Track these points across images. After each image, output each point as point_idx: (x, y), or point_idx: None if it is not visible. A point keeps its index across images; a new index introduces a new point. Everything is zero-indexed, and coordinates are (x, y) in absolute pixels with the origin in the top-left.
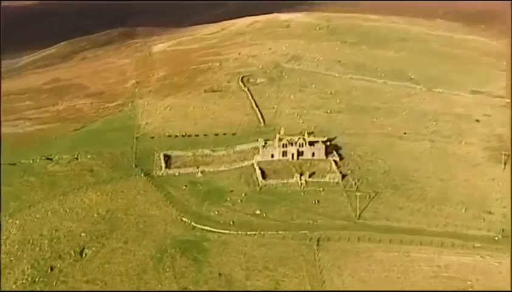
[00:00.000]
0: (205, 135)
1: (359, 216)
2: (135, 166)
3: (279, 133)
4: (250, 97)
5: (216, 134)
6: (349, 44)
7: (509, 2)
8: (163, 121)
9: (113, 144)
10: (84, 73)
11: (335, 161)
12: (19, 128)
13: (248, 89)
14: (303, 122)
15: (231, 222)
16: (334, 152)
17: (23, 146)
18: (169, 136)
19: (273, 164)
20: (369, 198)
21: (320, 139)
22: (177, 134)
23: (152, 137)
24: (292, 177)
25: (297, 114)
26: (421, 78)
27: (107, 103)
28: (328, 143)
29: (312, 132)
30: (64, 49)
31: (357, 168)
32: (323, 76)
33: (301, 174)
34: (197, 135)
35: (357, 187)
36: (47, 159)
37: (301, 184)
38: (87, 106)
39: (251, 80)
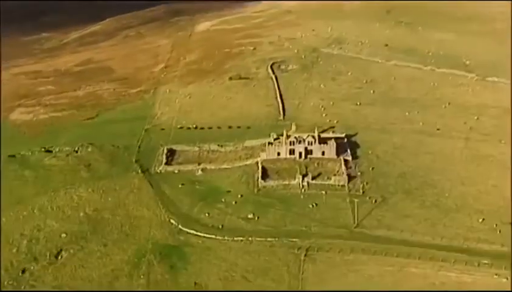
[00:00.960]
0: (218, 127)
1: (358, 224)
2: (135, 161)
3: (288, 129)
4: (275, 86)
5: (230, 127)
6: (404, 24)
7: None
8: (179, 111)
9: (121, 136)
10: (118, 55)
11: (345, 161)
12: (33, 115)
13: (275, 77)
14: (326, 115)
15: (220, 226)
16: (348, 152)
17: (30, 136)
18: (180, 128)
19: (278, 163)
20: (375, 202)
21: (336, 136)
22: (190, 126)
23: (163, 129)
24: (295, 179)
25: (322, 106)
26: (477, 64)
27: (130, 89)
28: (345, 140)
29: (333, 127)
30: (109, 26)
31: (370, 169)
32: (363, 62)
33: (303, 176)
34: (210, 128)
35: (363, 191)
36: (47, 151)
37: (303, 186)
38: (108, 92)
39: (282, 67)
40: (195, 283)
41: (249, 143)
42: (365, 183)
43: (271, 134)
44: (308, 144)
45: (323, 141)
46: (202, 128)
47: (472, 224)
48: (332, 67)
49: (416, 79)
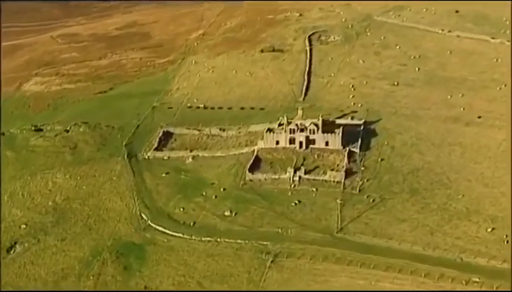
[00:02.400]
0: (229, 108)
1: (341, 228)
2: (126, 145)
3: (290, 116)
4: (307, 61)
5: (242, 108)
6: None
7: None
8: (196, 87)
9: (123, 114)
10: (163, 18)
11: (351, 153)
12: (45, 86)
13: (310, 50)
14: (353, 97)
15: (192, 224)
16: (359, 142)
17: (33, 111)
18: (189, 107)
19: (275, 153)
20: (372, 202)
21: (352, 122)
22: (200, 105)
23: (170, 108)
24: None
25: (352, 86)
26: None
27: (159, 58)
28: (362, 127)
29: (355, 111)
30: None
31: (378, 163)
32: (419, 33)
33: (296, 169)
34: (220, 108)
35: (360, 190)
36: (37, 129)
37: (293, 181)
38: (133, 62)
39: (322, 38)
40: (145, 287)
41: (254, 128)
42: (365, 180)
43: (280, 118)
44: (310, 133)
45: (329, 129)
46: (212, 108)
47: (477, 234)
48: (381, 39)
49: (475, 54)
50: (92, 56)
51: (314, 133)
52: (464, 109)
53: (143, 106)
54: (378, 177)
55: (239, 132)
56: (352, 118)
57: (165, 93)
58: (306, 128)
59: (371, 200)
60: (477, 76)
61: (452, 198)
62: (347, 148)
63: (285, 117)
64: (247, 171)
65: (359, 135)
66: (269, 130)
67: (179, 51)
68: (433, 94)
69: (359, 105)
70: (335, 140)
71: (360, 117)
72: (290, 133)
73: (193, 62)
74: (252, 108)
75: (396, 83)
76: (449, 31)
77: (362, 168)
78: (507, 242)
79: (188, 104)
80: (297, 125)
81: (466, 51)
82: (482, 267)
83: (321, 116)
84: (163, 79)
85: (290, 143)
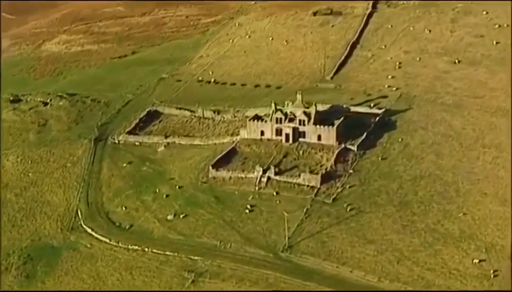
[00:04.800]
0: (243, 85)
1: (289, 246)
2: (101, 125)
3: (308, 98)
4: (360, 28)
5: (257, 85)
6: None
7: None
8: (221, 56)
9: (123, 86)
10: None
11: (346, 151)
12: (66, 46)
13: (370, 14)
14: (392, 77)
15: (127, 227)
16: (361, 138)
17: (32, 77)
18: (199, 81)
19: (255, 146)
20: (344, 215)
21: (369, 111)
22: (211, 80)
23: (179, 81)
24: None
25: (399, 63)
26: None
27: (207, 17)
28: (377, 119)
29: (385, 97)
30: None
31: (375, 166)
32: None
33: (265, 169)
34: (233, 84)
35: (335, 198)
36: (13, 101)
37: (260, 182)
38: (177, 20)
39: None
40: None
41: (252, 112)
42: (348, 186)
43: (286, 103)
44: (300, 124)
45: (330, 120)
46: (223, 84)
47: (458, 265)
48: (467, 3)
49: None
50: (137, 11)
51: (303, 124)
52: None
53: (152, 77)
54: (366, 183)
55: (235, 117)
56: (372, 106)
57: (184, 61)
58: (295, 118)
59: (343, 212)
60: None
61: (448, 216)
62: (342, 145)
63: (272, 103)
64: (211, 168)
65: (368, 129)
66: (255, 118)
67: (231, 11)
68: (497, 77)
69: (394, 88)
70: (329, 134)
71: (386, 105)
72: (277, 123)
73: (237, 24)
74: (268, 86)
75: (457, 61)
76: None
77: (350, 171)
78: (491, 278)
79: (200, 78)
80: (286, 113)
81: None
82: None
83: (363, 98)
84: (194, 44)
85: (277, 134)
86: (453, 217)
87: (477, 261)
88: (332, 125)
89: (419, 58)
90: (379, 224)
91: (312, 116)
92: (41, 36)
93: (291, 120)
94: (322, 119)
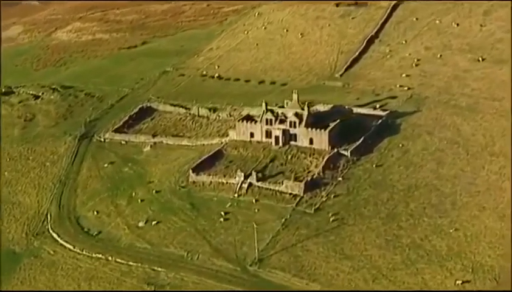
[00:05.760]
0: (246, 81)
1: (259, 259)
2: (90, 121)
3: (311, 98)
4: (381, 21)
5: (261, 82)
6: None
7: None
8: (232, 49)
9: (123, 79)
10: None
11: (337, 156)
12: (77, 35)
13: (395, 6)
14: (407, 76)
15: (95, 233)
16: (356, 144)
17: (34, 67)
18: (203, 76)
19: (242, 148)
20: (324, 227)
21: (372, 113)
22: (215, 75)
23: (182, 75)
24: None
25: (416, 60)
26: None
27: (227, 6)
28: (379, 122)
29: (394, 97)
30: None
31: (367, 174)
32: None
33: (247, 175)
34: (237, 80)
35: (317, 209)
36: (5, 93)
37: (241, 188)
38: (196, 8)
39: None
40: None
41: (248, 111)
42: (333, 195)
43: (286, 102)
44: (290, 126)
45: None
46: (227, 79)
47: (439, 286)
48: None
49: None
50: None
51: (294, 127)
52: None
53: (155, 70)
54: (354, 193)
55: (230, 116)
56: (378, 107)
57: (192, 54)
58: (286, 119)
59: (324, 224)
60: None
61: (438, 232)
62: (335, 150)
63: (263, 102)
64: (191, 171)
65: (367, 132)
66: (247, 118)
67: None
68: None
69: (406, 88)
70: (321, 137)
71: (393, 106)
72: (267, 124)
73: (256, 14)
74: (273, 83)
75: (481, 58)
76: None
77: (339, 179)
78: None
79: (204, 72)
80: (277, 114)
81: None
82: None
83: (308, 104)
84: (208, 35)
85: (267, 136)
86: (443, 233)
87: (460, 282)
88: (326, 127)
89: (440, 55)
90: (361, 238)
91: (304, 118)
92: (55, 23)
93: (282, 122)
94: (320, 121)
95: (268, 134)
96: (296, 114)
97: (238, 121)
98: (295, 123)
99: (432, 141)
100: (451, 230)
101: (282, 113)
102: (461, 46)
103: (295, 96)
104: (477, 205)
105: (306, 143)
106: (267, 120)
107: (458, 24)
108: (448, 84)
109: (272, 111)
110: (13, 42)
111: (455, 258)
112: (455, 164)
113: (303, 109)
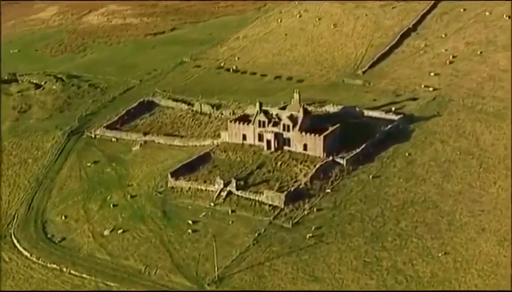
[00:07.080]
0: (263, 75)
1: (221, 278)
2: (85, 115)
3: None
4: (423, 11)
5: (277, 77)
6: None
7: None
8: (258, 38)
9: (136, 68)
10: None
11: (327, 165)
12: (107, 19)
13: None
14: (435, 75)
15: (58, 240)
16: (355, 151)
17: (51, 53)
18: (219, 68)
19: (232, 152)
20: (299, 244)
21: (384, 116)
22: (232, 68)
23: (198, 66)
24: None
25: (452, 57)
26: None
27: None
28: (387, 127)
29: (414, 100)
30: None
31: (361, 186)
32: None
33: (226, 183)
34: (253, 74)
35: (296, 223)
36: (6, 81)
37: (219, 196)
38: None
39: None
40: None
41: (250, 110)
42: (316, 209)
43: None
44: (284, 129)
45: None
46: (243, 73)
47: None
48: None
49: None
50: None
51: (288, 130)
52: None
53: (173, 59)
54: (341, 207)
55: (233, 114)
56: (393, 110)
57: (216, 44)
58: (280, 122)
59: (300, 241)
60: None
61: (425, 255)
62: (330, 157)
63: (257, 102)
64: (169, 176)
65: (371, 139)
66: (242, 119)
67: None
68: None
69: (431, 89)
70: (315, 143)
71: (411, 109)
72: (260, 126)
73: (296, 2)
74: (290, 78)
75: None
76: None
77: (327, 191)
78: None
79: (221, 64)
80: (269, 116)
81: None
82: None
83: (303, 105)
84: (240, 22)
85: (260, 140)
86: (430, 256)
87: None
88: (323, 131)
89: (481, 52)
90: (337, 258)
91: (299, 121)
92: (90, 5)
93: (275, 124)
94: (320, 124)
95: (261, 138)
96: (291, 117)
97: (230, 122)
98: (288, 126)
99: (443, 151)
100: (440, 254)
101: (276, 115)
102: (508, 42)
103: (296, 95)
104: (477, 227)
105: (300, 149)
106: (260, 122)
107: (510, 17)
108: (480, 85)
109: (266, 112)
110: (44, 24)
111: (437, 286)
112: (462, 178)
113: (305, 109)
